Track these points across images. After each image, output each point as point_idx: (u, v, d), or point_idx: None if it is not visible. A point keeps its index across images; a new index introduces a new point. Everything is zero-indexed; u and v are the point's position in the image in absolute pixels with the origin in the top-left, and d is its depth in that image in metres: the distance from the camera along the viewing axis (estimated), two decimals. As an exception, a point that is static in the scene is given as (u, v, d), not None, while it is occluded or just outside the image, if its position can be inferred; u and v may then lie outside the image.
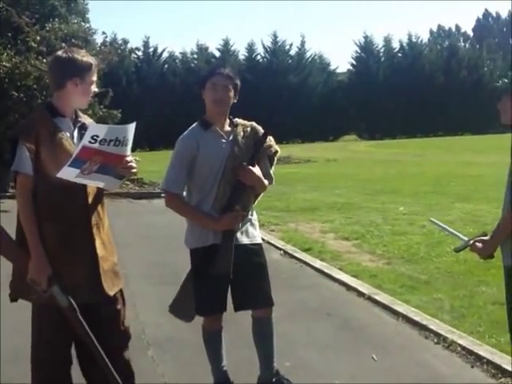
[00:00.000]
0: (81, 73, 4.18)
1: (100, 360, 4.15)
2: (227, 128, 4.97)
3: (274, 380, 5.20)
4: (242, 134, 4.95)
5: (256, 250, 5.08)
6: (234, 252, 4.84)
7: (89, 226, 4.20)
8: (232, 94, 4.92)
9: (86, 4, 28.01)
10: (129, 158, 4.18)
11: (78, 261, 4.18)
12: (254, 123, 5.11)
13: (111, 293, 4.29)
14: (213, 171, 4.83)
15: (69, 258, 4.15)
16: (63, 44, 20.53)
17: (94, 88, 4.31)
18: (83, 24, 25.67)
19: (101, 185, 4.22)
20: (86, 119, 4.40)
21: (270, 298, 5.10)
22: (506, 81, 4.61)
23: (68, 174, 3.97)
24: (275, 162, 5.16)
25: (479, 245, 4.49)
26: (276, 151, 5.09)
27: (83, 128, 4.24)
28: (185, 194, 5.03)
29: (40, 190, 4.09)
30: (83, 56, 4.23)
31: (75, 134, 4.25)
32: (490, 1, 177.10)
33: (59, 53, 4.29)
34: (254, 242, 5.07)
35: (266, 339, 5.19)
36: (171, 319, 6.30)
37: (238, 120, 5.06)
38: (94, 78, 4.29)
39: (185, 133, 4.97)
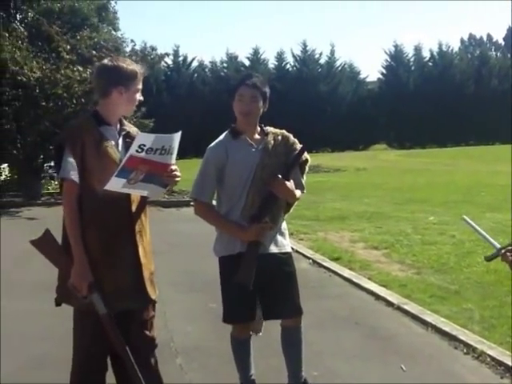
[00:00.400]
0: (126, 81, 4.20)
1: (131, 369, 4.18)
2: (257, 136, 4.95)
3: None
4: (272, 142, 4.93)
5: (285, 259, 5.06)
6: (263, 261, 4.82)
7: (132, 234, 4.24)
8: (260, 104, 4.88)
9: (116, 13, 28.35)
10: (173, 167, 4.22)
11: (121, 267, 4.21)
12: (284, 131, 5.08)
13: (153, 297, 4.36)
14: (242, 180, 4.82)
15: (112, 263, 4.18)
16: (94, 52, 20.73)
17: (140, 96, 4.34)
18: (114, 33, 25.96)
19: (145, 193, 4.27)
20: (130, 127, 4.44)
21: (298, 307, 5.08)
22: None
23: (115, 184, 4.01)
24: (306, 171, 5.14)
25: (510, 254, 4.47)
26: (306, 160, 5.07)
27: (128, 136, 4.29)
28: (215, 202, 5.05)
29: (85, 197, 4.13)
30: (129, 64, 4.25)
31: (120, 142, 4.29)
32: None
33: (105, 61, 4.33)
34: (283, 250, 5.04)
35: (295, 348, 5.17)
36: (199, 327, 6.36)
37: (268, 128, 5.04)
38: (140, 87, 4.31)
39: (214, 141, 4.96)
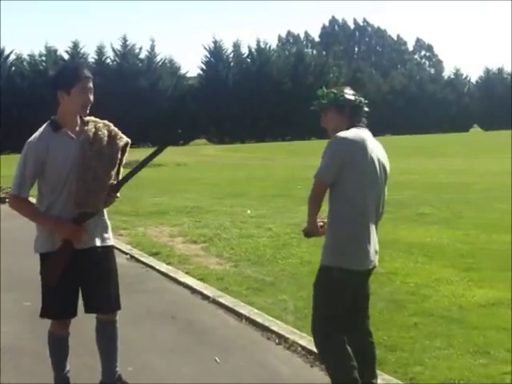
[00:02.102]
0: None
1: None
2: (77, 129, 4.88)
3: None
4: (93, 130, 4.88)
5: (106, 253, 5.06)
6: (85, 255, 4.84)
7: None
8: None
9: None
10: None
11: None
12: (105, 121, 5.06)
13: None
14: (63, 174, 4.73)
15: None
16: None
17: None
18: None
19: None
20: None
21: (116, 302, 5.09)
22: (317, 101, 4.92)
23: None
24: (126, 155, 5.11)
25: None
26: (127, 142, 5.05)
27: None
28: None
29: None
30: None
31: None
32: (337, 8, 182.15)
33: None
34: (105, 244, 5.03)
35: (110, 343, 5.16)
36: (13, 327, 6.18)
37: (88, 118, 4.96)
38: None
39: (34, 135, 4.81)
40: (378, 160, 4.73)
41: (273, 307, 7.52)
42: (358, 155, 4.60)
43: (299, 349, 6.10)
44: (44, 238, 4.86)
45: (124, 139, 5.02)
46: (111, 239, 5.15)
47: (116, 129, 5.02)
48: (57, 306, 4.92)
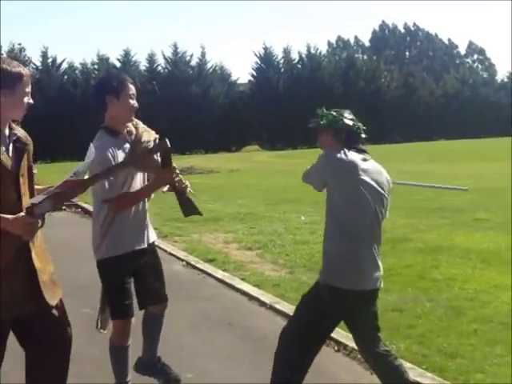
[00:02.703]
0: (11, 84, 3.98)
1: None
2: (126, 131, 5.09)
3: (156, 365, 5.49)
4: (134, 130, 5.13)
5: (153, 250, 5.40)
6: (141, 255, 5.16)
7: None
8: None
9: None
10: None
11: (14, 273, 4.02)
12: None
13: (53, 303, 4.21)
14: (128, 178, 5.00)
15: (4, 271, 3.99)
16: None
17: (29, 99, 4.13)
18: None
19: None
20: (19, 131, 4.23)
21: (166, 294, 5.48)
22: (315, 120, 4.89)
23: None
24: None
25: None
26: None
27: (18, 141, 4.12)
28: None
29: None
30: (14, 66, 4.02)
31: (10, 147, 4.09)
32: (387, 12, 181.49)
33: None
34: (154, 240, 5.40)
35: (158, 333, 5.51)
36: (73, 334, 6.17)
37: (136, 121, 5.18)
38: (28, 90, 4.10)
39: (96, 143, 4.71)
40: (374, 181, 4.68)
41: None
42: (346, 175, 4.61)
43: (359, 356, 6.06)
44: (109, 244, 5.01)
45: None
46: (154, 235, 5.44)
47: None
48: (127, 306, 5.12)
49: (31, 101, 4.16)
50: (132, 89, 5.00)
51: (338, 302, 4.65)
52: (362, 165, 4.63)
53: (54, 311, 4.28)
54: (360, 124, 4.91)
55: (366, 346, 4.95)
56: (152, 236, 5.35)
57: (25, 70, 4.09)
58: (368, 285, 4.73)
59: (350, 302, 4.70)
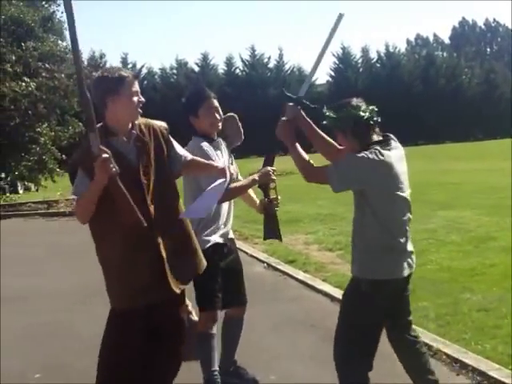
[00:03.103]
0: (115, 88, 4.16)
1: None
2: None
3: (232, 369, 5.61)
4: None
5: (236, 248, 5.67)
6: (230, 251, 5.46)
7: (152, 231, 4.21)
8: None
9: (64, 22, 28.07)
10: None
11: (144, 262, 4.21)
12: None
13: (178, 290, 4.36)
14: None
15: (134, 260, 4.18)
16: (39, 63, 20.50)
17: (140, 98, 4.30)
18: (60, 42, 25.66)
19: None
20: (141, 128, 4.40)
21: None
22: (329, 117, 4.75)
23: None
24: None
25: None
26: None
27: (139, 140, 4.29)
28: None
29: (107, 210, 4.06)
30: (114, 72, 4.22)
31: (132, 148, 4.27)
32: (466, 9, 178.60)
33: (94, 74, 4.32)
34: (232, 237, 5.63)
35: (238, 336, 5.64)
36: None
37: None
38: (135, 89, 4.26)
39: (206, 144, 5.18)
40: (401, 170, 4.60)
41: (413, 314, 7.35)
42: (378, 173, 4.47)
43: (444, 357, 5.96)
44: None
45: None
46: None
47: None
48: (219, 298, 5.26)
49: (142, 99, 4.32)
50: (210, 102, 5.32)
51: (380, 294, 4.62)
52: (389, 157, 4.49)
53: (179, 298, 4.44)
54: (369, 108, 4.75)
55: (399, 333, 4.97)
56: (231, 233, 5.52)
57: (126, 72, 4.25)
58: (404, 272, 4.68)
59: (390, 292, 4.68)
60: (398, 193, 4.54)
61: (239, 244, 11.57)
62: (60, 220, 18.86)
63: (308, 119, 4.99)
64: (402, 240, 4.64)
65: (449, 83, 68.37)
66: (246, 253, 11.48)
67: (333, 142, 4.95)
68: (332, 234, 13.27)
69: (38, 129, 20.45)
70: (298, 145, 4.91)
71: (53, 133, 21.40)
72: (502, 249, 10.57)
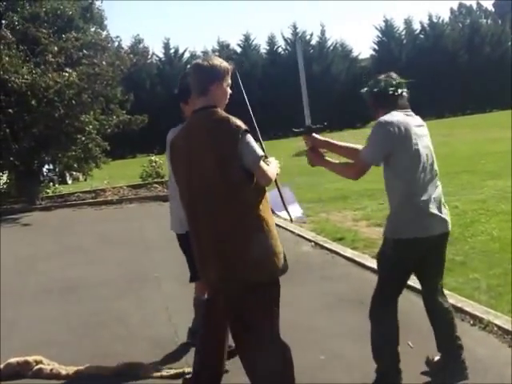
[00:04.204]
0: (221, 77, 4.56)
1: None
2: None
3: None
4: None
5: None
6: None
7: None
8: None
9: (103, 12, 28.27)
10: None
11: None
12: None
13: None
14: None
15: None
16: (80, 54, 20.62)
17: (229, 90, 4.68)
18: (101, 32, 25.79)
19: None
20: None
21: None
22: (369, 85, 5.34)
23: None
24: None
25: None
26: None
27: None
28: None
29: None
30: (221, 62, 4.63)
31: None
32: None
33: (199, 61, 4.70)
34: None
35: None
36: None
37: None
38: (229, 81, 4.66)
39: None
40: (423, 133, 5.11)
41: (464, 287, 7.32)
42: (404, 135, 4.86)
43: (495, 329, 5.89)
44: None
45: None
46: None
47: None
48: None
49: (229, 91, 4.68)
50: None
51: (402, 253, 4.95)
52: (411, 121, 4.99)
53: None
54: (396, 81, 5.26)
55: (427, 293, 5.34)
56: None
57: (230, 65, 4.68)
58: (435, 229, 4.97)
59: (412, 251, 4.99)
60: (422, 155, 4.95)
61: (286, 224, 11.56)
62: (108, 208, 19.00)
63: (324, 139, 5.58)
64: (426, 200, 4.91)
65: (494, 51, 67.29)
66: (293, 232, 11.44)
67: (355, 146, 5.45)
68: (380, 208, 13.12)
69: (83, 118, 20.56)
70: (329, 160, 5.36)
71: (97, 122, 21.54)
72: None
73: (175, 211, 6.15)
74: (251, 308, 4.42)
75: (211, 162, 4.34)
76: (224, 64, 4.59)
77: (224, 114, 4.48)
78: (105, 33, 26.11)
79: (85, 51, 20.88)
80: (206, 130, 4.42)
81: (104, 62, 20.61)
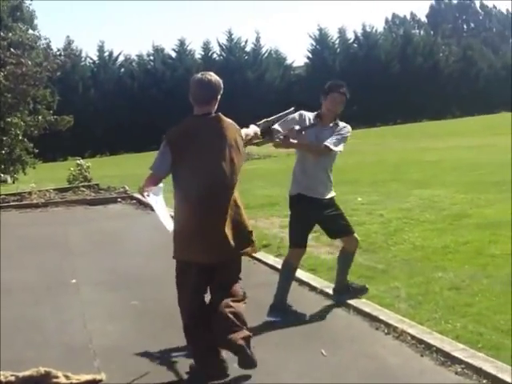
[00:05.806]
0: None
1: None
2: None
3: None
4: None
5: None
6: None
7: None
8: None
9: (33, 11, 27.88)
10: None
11: None
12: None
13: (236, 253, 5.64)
14: None
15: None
16: (7, 53, 20.24)
17: None
18: (31, 31, 25.41)
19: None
20: None
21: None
22: None
23: None
24: None
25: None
26: None
27: None
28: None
29: None
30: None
31: None
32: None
33: (209, 76, 6.05)
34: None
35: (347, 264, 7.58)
36: (120, 326, 6.10)
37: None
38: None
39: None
40: None
41: (385, 295, 7.34)
42: None
43: (409, 338, 5.90)
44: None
45: None
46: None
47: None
48: (303, 237, 7.16)
49: None
50: None
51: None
52: None
53: (236, 260, 5.70)
54: None
55: None
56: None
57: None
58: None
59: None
60: None
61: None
62: (33, 212, 18.63)
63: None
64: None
65: (426, 61, 68.41)
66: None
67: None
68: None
69: (9, 119, 20.17)
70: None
71: (24, 123, 21.15)
72: (475, 226, 10.54)
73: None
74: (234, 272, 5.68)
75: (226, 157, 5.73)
76: None
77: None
78: (35, 32, 25.73)
79: (12, 50, 20.49)
80: (218, 131, 5.69)
81: (30, 62, 20.25)
